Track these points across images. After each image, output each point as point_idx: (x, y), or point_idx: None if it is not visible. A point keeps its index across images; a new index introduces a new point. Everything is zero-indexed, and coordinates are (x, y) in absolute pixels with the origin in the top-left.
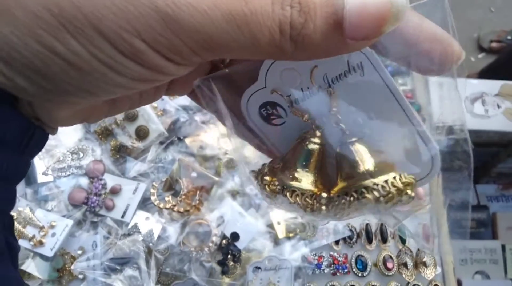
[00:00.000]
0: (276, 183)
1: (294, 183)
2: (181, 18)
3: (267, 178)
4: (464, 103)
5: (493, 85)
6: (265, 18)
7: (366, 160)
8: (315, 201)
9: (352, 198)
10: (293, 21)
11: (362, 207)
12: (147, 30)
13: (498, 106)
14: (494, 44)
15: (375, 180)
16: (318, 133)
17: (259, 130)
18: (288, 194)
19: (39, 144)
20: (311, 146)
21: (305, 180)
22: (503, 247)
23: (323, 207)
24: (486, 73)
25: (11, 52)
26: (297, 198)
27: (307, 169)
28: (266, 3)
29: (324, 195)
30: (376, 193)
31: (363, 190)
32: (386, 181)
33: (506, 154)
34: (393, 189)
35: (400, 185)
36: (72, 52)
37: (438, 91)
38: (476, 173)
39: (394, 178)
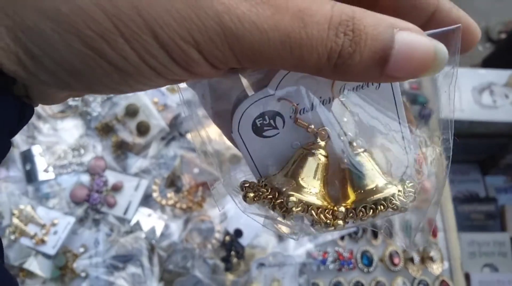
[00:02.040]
0: (281, 200)
1: (305, 198)
2: (241, 35)
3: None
4: (471, 94)
5: (501, 75)
6: (318, 43)
7: (376, 172)
8: (331, 215)
9: (376, 211)
10: (343, 50)
11: (378, 217)
12: (207, 43)
13: (506, 97)
14: (503, 35)
15: (392, 191)
16: (322, 145)
17: (241, 143)
18: (299, 210)
19: (26, 121)
20: (320, 159)
21: (315, 194)
22: None
23: (340, 222)
24: (489, 62)
25: (48, 49)
26: (313, 214)
27: (317, 183)
28: (322, 28)
29: (342, 209)
30: (398, 203)
31: (383, 202)
32: (400, 191)
33: None
34: (407, 197)
35: (412, 192)
36: (122, 57)
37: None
38: (484, 165)
39: (404, 187)
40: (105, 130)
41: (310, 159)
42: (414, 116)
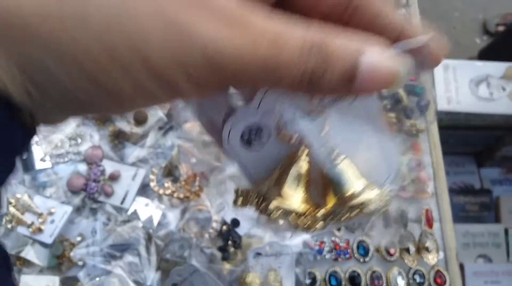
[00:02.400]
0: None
1: (288, 204)
2: (225, 65)
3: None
4: (468, 86)
5: (498, 67)
6: (293, 66)
7: (355, 178)
8: (311, 218)
9: (353, 213)
10: (315, 71)
11: (355, 219)
12: (194, 73)
13: (503, 89)
14: (500, 28)
15: (369, 196)
16: (306, 153)
17: (235, 154)
18: (279, 216)
19: (30, 142)
20: (302, 167)
21: (299, 200)
22: (506, 231)
23: (319, 225)
24: (485, 54)
25: (53, 82)
26: (291, 219)
27: (300, 190)
28: (296, 52)
29: (321, 213)
30: (373, 207)
31: (360, 206)
32: (376, 195)
33: (511, 138)
34: (383, 202)
35: (388, 197)
36: (118, 87)
37: (443, 74)
38: (480, 157)
39: (381, 191)
40: (102, 119)
41: (293, 167)
42: (411, 107)
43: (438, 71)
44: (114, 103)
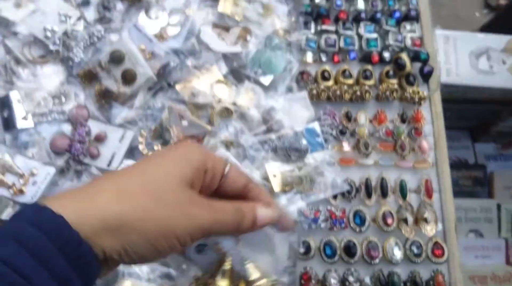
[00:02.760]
0: None
1: None
2: (211, 231)
3: None
4: (468, 58)
5: (499, 40)
6: (230, 222)
7: (254, 272)
8: None
9: None
10: (241, 223)
11: None
12: (195, 237)
13: (504, 62)
14: (502, 1)
15: (261, 282)
16: (229, 260)
17: (192, 257)
18: None
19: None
20: (227, 266)
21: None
22: (499, 206)
23: None
24: (487, 29)
25: (137, 251)
26: None
27: (226, 279)
28: (231, 215)
29: None
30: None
31: None
32: (266, 281)
33: (508, 113)
34: (270, 283)
35: (274, 283)
36: (164, 250)
37: (443, 45)
38: (475, 132)
39: (268, 279)
40: (88, 77)
41: (222, 267)
42: (414, 73)
43: (439, 42)
44: (160, 256)
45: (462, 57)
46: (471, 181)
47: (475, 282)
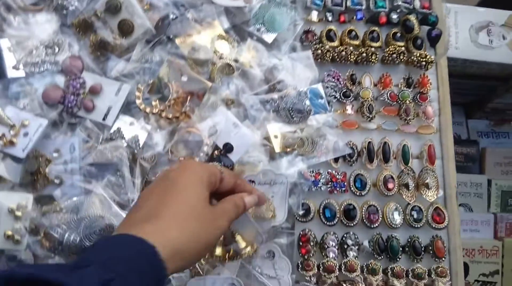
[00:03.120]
0: None
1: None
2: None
3: None
4: (468, 32)
5: (500, 15)
6: (233, 211)
7: (241, 242)
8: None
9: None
10: (238, 209)
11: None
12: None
13: (504, 37)
14: None
15: (248, 249)
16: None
17: None
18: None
19: None
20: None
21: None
22: (489, 182)
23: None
24: (485, 3)
25: (190, 265)
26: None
27: (220, 248)
28: (233, 206)
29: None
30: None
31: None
32: (249, 248)
33: (505, 89)
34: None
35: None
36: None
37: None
38: (470, 108)
39: (252, 246)
40: (83, 27)
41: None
42: (422, 37)
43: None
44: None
45: (462, 30)
46: (463, 157)
47: (462, 254)
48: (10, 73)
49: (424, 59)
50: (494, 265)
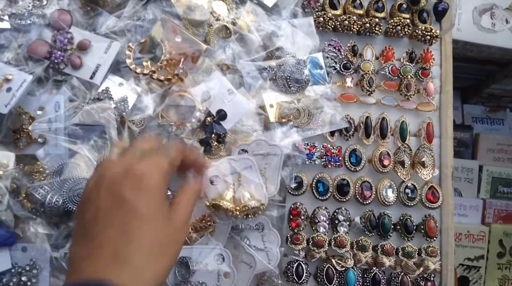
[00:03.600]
0: None
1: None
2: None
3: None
4: (472, 14)
5: None
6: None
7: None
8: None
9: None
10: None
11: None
12: None
13: (507, 21)
14: None
15: (255, 204)
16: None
17: None
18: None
19: None
20: None
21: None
22: (481, 167)
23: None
24: None
25: None
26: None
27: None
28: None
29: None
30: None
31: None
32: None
33: (503, 74)
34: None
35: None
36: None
37: None
38: (466, 93)
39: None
40: None
41: None
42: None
43: None
44: None
45: (466, 12)
46: (456, 142)
47: None
48: None
49: (429, 33)
50: (479, 250)
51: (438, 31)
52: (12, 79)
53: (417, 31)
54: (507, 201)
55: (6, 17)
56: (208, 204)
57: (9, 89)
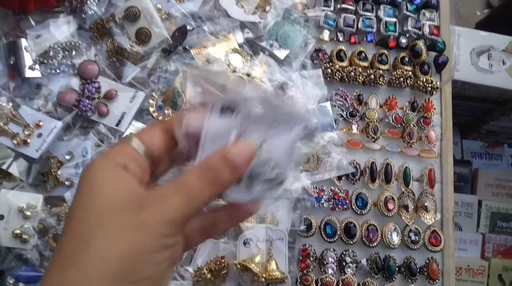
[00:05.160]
0: None
1: None
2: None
3: None
4: (470, 55)
5: (501, 40)
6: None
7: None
8: None
9: None
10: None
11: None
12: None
13: (504, 63)
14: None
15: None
16: None
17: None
18: None
19: None
20: None
21: None
22: (480, 202)
23: None
24: (483, 26)
25: None
26: None
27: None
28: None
29: None
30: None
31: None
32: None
33: (500, 112)
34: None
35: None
36: None
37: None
38: (465, 128)
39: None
40: (101, 31)
41: None
42: (429, 62)
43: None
44: None
45: (464, 53)
46: (456, 176)
47: None
48: (27, 73)
49: (429, 85)
50: (479, 285)
51: (438, 83)
52: (42, 126)
53: (418, 82)
54: (506, 235)
55: (37, 67)
56: (236, 263)
57: (39, 135)
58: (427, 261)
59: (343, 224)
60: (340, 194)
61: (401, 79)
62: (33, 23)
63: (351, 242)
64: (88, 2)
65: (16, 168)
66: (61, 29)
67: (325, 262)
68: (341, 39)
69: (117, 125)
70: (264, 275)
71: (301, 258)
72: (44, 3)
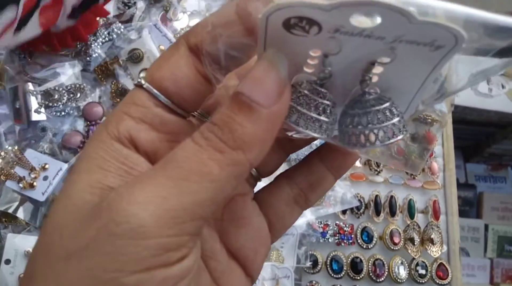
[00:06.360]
0: None
1: None
2: None
3: None
4: (468, 80)
5: (500, 65)
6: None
7: None
8: None
9: None
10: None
11: None
12: None
13: (503, 86)
14: None
15: None
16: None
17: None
18: None
19: None
20: None
21: None
22: (486, 226)
23: None
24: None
25: None
26: None
27: None
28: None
29: None
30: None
31: None
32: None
33: (502, 136)
34: None
35: None
36: None
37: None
38: (468, 152)
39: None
40: (105, 74)
41: None
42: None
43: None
44: None
45: (463, 78)
46: (461, 201)
47: None
48: (33, 116)
49: (430, 117)
50: None
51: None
52: (48, 168)
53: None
54: None
55: (42, 110)
56: None
57: (45, 178)
58: None
59: (349, 259)
60: (345, 228)
61: None
62: (38, 66)
63: (358, 278)
64: (92, 45)
65: (22, 212)
66: (66, 73)
67: None
68: None
69: None
70: None
71: None
72: (52, 48)
